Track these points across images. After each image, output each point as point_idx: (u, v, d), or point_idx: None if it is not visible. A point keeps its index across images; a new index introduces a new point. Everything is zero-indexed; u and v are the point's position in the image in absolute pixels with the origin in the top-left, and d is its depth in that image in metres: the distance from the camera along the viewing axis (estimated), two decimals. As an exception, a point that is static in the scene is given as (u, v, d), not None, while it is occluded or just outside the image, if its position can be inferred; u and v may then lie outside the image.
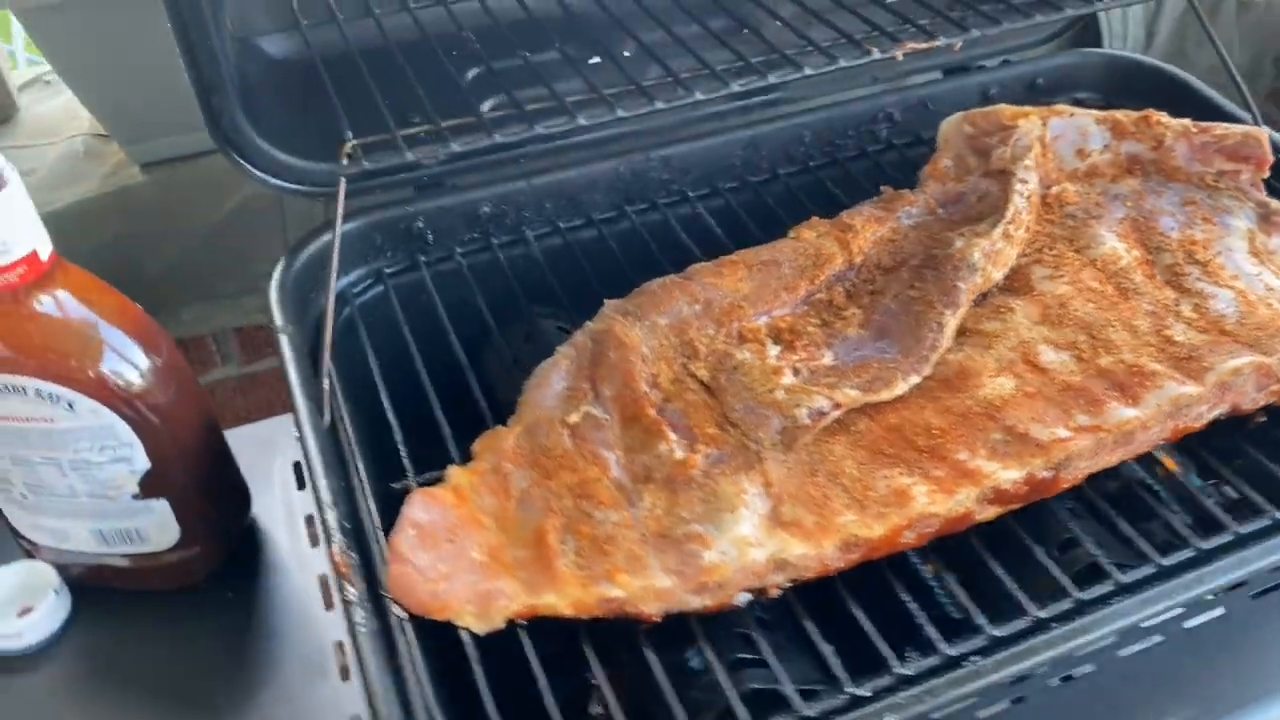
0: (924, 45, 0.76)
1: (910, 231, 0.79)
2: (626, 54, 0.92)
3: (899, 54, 0.76)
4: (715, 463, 0.62)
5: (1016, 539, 0.64)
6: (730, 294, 0.72)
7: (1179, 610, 0.60)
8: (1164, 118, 0.84)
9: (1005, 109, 0.85)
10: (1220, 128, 0.83)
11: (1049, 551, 0.63)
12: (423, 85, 0.79)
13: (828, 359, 0.68)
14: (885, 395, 0.65)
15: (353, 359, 0.75)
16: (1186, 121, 0.83)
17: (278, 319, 0.72)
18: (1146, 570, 0.61)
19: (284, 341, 0.70)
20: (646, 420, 0.64)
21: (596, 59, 0.91)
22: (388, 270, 0.82)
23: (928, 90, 0.97)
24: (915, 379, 0.67)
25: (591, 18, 0.89)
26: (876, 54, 0.75)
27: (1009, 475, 0.61)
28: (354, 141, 0.67)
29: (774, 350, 0.69)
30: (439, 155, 0.66)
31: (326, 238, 0.79)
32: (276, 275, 0.75)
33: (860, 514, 0.59)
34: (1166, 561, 0.61)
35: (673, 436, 0.63)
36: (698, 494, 0.60)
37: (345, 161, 0.66)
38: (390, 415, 0.69)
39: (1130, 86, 0.99)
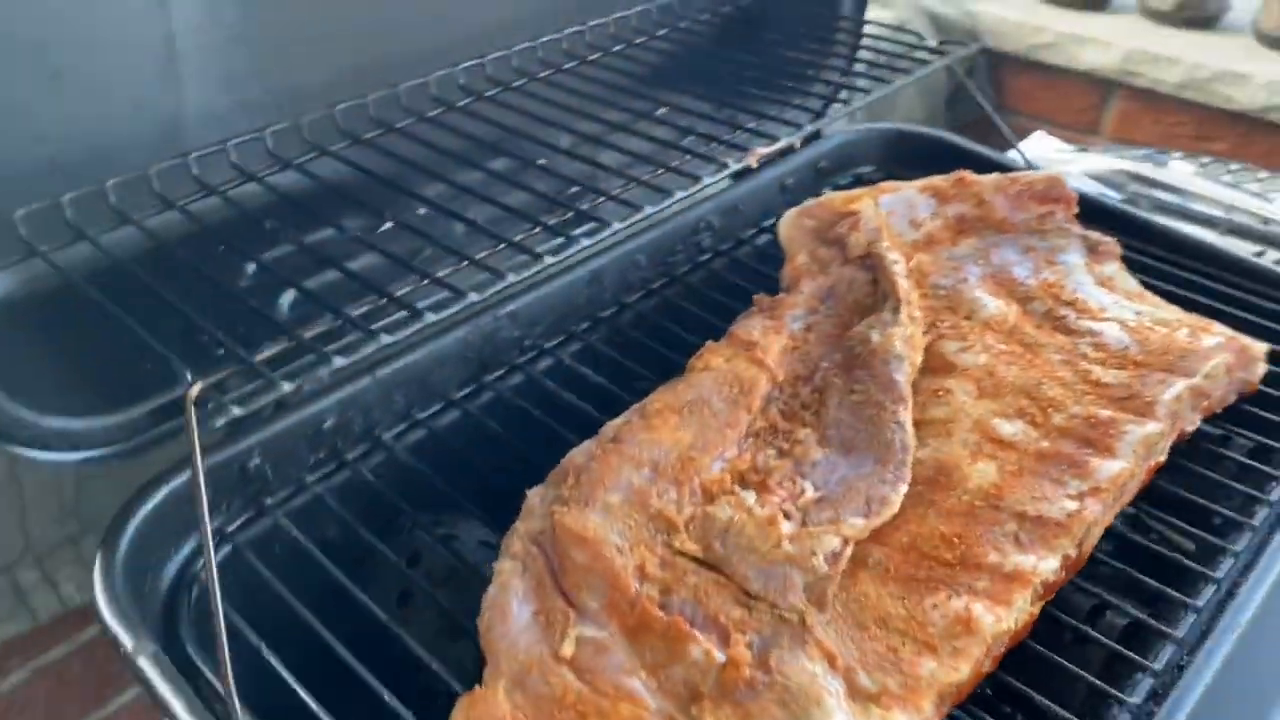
0: (771, 149, 0.74)
1: (805, 335, 0.75)
2: (421, 212, 0.82)
3: (753, 161, 0.73)
4: (762, 651, 0.52)
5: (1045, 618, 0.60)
6: (673, 447, 0.64)
7: (1233, 647, 0.59)
8: (976, 176, 0.87)
9: (835, 197, 0.85)
10: (1025, 176, 0.87)
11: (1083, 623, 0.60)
12: (212, 291, 0.65)
13: (810, 491, 0.61)
14: (887, 514, 0.60)
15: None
16: (996, 175, 0.87)
17: (126, 639, 0.53)
18: (1189, 618, 0.59)
19: (150, 669, 0.51)
20: (658, 625, 0.54)
21: (390, 224, 0.80)
22: (230, 527, 0.65)
23: (733, 193, 0.95)
24: (904, 487, 0.61)
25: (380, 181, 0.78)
26: (733, 164, 0.71)
27: (1049, 565, 0.57)
28: (202, 383, 0.51)
29: (750, 498, 0.61)
30: (323, 378, 0.52)
31: (142, 514, 0.61)
32: (99, 578, 0.56)
33: (937, 658, 0.52)
34: (1200, 602, 0.60)
35: (699, 635, 0.53)
36: (769, 697, 0.50)
37: (194, 409, 0.50)
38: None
39: (903, 155, 1.04)
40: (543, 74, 0.92)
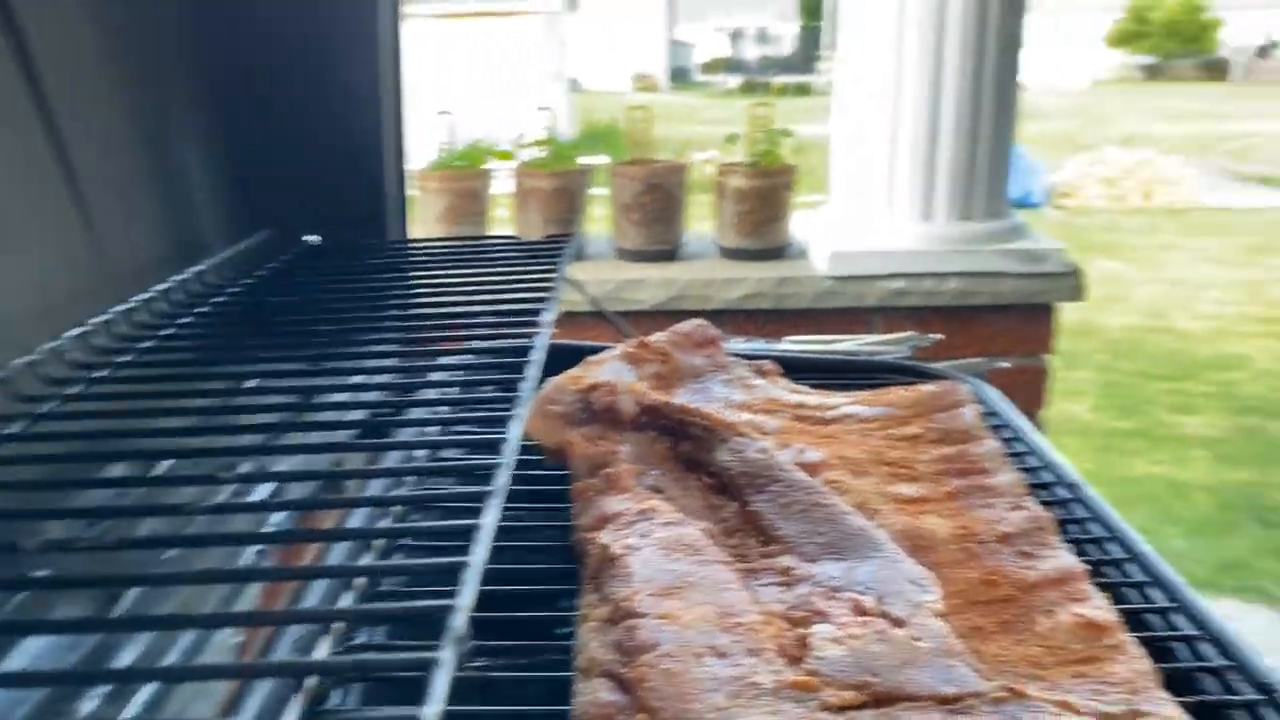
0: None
1: (662, 493, 0.67)
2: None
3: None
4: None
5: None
6: (709, 624, 0.52)
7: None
8: (651, 339, 0.89)
9: (563, 379, 0.80)
10: (681, 327, 0.92)
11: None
12: None
13: (864, 597, 0.54)
14: (936, 583, 0.56)
15: None
16: (662, 333, 0.91)
17: None
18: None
19: None
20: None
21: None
22: None
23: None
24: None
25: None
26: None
27: (1072, 558, 0.59)
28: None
29: (829, 629, 0.52)
30: None
31: None
32: None
33: (1115, 660, 0.50)
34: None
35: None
36: None
37: None
38: None
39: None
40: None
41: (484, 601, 0.65)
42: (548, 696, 0.54)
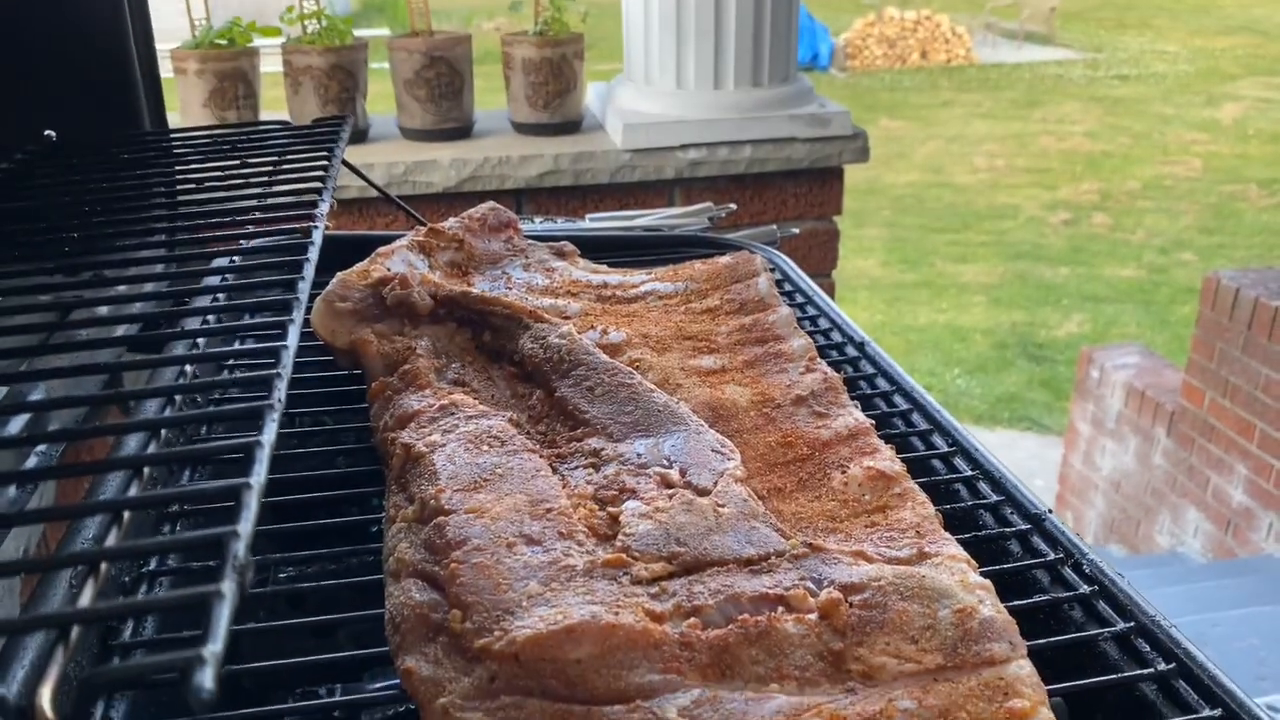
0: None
1: (464, 386, 0.66)
2: None
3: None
4: (826, 587, 0.47)
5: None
6: (519, 513, 0.51)
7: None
8: (441, 225, 0.86)
9: (349, 274, 0.75)
10: (474, 212, 0.89)
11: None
12: None
13: (671, 470, 0.55)
14: (736, 451, 0.58)
15: None
16: (455, 219, 0.87)
17: None
18: (910, 421, 0.70)
19: None
20: (738, 640, 0.44)
21: None
22: None
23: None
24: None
25: None
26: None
27: (858, 414, 0.62)
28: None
29: (638, 505, 0.52)
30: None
31: None
32: None
33: (903, 508, 0.54)
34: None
35: (775, 616, 0.45)
36: (897, 603, 0.45)
37: None
38: None
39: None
40: None
41: (289, 511, 0.63)
42: (361, 602, 0.53)
